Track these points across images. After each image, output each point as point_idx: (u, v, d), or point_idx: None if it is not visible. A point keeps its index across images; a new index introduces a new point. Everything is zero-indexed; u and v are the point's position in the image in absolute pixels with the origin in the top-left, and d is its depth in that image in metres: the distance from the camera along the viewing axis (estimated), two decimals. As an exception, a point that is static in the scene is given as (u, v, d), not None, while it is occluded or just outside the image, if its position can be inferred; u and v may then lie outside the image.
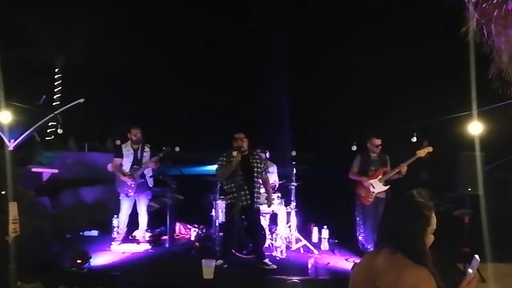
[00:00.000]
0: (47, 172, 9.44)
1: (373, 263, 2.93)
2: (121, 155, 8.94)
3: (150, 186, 9.09)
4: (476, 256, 3.04)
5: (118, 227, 8.90)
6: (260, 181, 8.06)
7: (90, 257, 7.23)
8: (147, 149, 9.03)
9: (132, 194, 8.82)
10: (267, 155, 9.40)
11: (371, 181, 8.35)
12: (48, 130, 14.92)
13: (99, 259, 7.77)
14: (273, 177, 9.39)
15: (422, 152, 8.12)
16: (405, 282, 2.69)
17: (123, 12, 14.19)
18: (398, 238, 2.83)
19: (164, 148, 8.85)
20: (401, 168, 8.17)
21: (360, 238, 8.62)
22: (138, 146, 8.98)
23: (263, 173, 8.10)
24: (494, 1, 6.43)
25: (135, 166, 8.85)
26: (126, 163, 8.91)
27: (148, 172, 8.99)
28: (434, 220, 2.83)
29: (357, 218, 8.64)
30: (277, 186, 9.52)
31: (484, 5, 6.52)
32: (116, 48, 14.27)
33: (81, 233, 9.68)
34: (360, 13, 11.78)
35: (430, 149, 8.17)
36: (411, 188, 2.94)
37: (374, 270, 2.89)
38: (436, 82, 10.28)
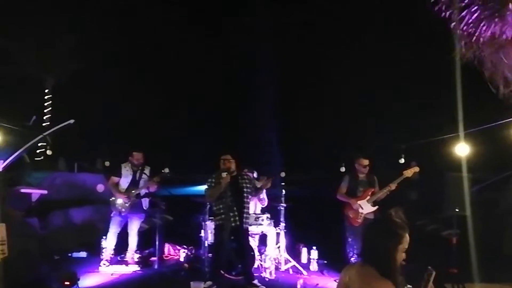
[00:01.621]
0: (36, 193, 9.40)
1: (346, 275, 3.16)
2: (119, 174, 8.97)
3: (145, 208, 9.09)
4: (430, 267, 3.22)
5: (106, 248, 8.86)
6: (249, 201, 8.10)
7: (79, 279, 7.19)
8: (146, 171, 9.05)
9: (125, 212, 8.82)
10: (255, 175, 9.42)
11: (359, 202, 8.38)
12: (38, 151, 14.87)
13: (87, 281, 7.73)
14: (262, 196, 9.41)
15: (409, 172, 8.16)
16: None
17: (114, 32, 14.26)
18: (371, 253, 3.04)
19: (163, 170, 8.88)
20: (390, 188, 8.22)
21: (352, 259, 8.62)
22: (138, 168, 9.01)
23: (253, 193, 8.14)
24: (480, 25, 6.54)
25: (132, 187, 8.88)
26: (124, 183, 8.93)
27: (142, 193, 9.01)
28: (406, 239, 3.01)
29: (349, 239, 8.63)
30: (265, 205, 9.54)
31: (470, 29, 6.63)
32: (108, 69, 14.33)
33: (69, 255, 9.63)
34: (347, 33, 11.89)
35: (416, 169, 8.21)
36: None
37: (346, 281, 3.13)
38: (424, 104, 10.38)
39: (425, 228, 9.24)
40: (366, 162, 8.59)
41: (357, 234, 8.48)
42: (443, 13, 6.55)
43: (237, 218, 7.74)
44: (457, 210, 7.45)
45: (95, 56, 14.83)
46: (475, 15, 6.50)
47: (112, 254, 8.86)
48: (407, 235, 3.01)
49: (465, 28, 6.60)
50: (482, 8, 6.44)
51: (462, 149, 7.85)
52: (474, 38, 6.58)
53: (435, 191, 8.92)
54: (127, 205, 8.78)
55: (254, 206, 9.49)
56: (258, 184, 8.86)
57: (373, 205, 8.37)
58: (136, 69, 14.27)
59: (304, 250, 9.66)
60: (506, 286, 7.51)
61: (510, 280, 7.61)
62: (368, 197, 8.40)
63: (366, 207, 8.36)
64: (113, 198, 8.88)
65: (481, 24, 6.49)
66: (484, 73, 6.86)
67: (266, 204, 9.58)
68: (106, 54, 14.74)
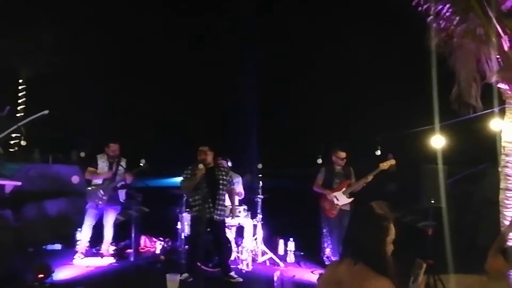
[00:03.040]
0: (9, 184, 9.24)
1: (335, 273, 3.02)
2: (95, 165, 8.85)
3: (121, 200, 9.01)
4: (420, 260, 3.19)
5: (81, 240, 8.77)
6: (225, 193, 8.06)
7: (53, 271, 7.11)
8: (123, 163, 8.97)
9: (101, 205, 8.73)
10: (229, 163, 9.38)
11: (335, 193, 8.44)
12: (12, 142, 14.68)
13: (62, 273, 7.63)
14: (239, 188, 9.38)
15: (385, 165, 8.23)
16: None
17: (90, 21, 14.10)
18: (360, 249, 2.93)
19: (141, 163, 8.83)
20: (366, 179, 8.28)
21: (327, 250, 8.67)
22: (114, 159, 8.91)
23: (228, 185, 8.11)
24: (455, 19, 6.56)
25: (108, 179, 8.79)
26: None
27: (118, 185, 8.92)
28: (392, 230, 2.94)
29: (324, 230, 8.70)
30: (242, 197, 9.52)
31: (445, 23, 6.65)
32: (82, 59, 14.18)
33: (44, 247, 9.52)
34: (324, 29, 11.89)
35: (393, 162, 8.28)
36: (376, 200, 3.03)
37: (336, 280, 2.97)
38: (400, 97, 10.43)
39: (402, 220, 9.30)
40: (343, 154, 8.65)
41: (332, 226, 8.56)
42: (420, 7, 6.57)
43: (212, 209, 7.72)
44: (432, 201, 7.49)
45: (71, 47, 14.67)
46: (451, 9, 6.53)
47: (87, 247, 8.77)
48: (392, 226, 2.95)
49: (440, 21, 6.61)
50: (457, 2, 6.47)
51: (437, 141, 7.90)
52: (449, 31, 6.60)
53: (411, 183, 8.98)
54: (103, 197, 8.69)
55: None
56: (234, 176, 8.86)
57: (349, 197, 8.45)
58: (113, 60, 14.11)
59: (281, 242, 9.68)
60: (481, 277, 7.59)
61: (485, 271, 7.68)
62: (344, 189, 8.45)
63: (341, 199, 8.42)
64: (89, 188, 8.79)
65: (456, 18, 6.51)
66: (457, 67, 6.89)
67: (243, 196, 9.55)
68: (82, 45, 14.58)
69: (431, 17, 6.61)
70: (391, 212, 2.96)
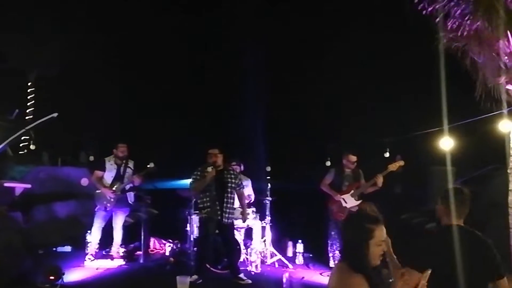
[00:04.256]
0: (19, 187, 9.30)
1: (331, 274, 3.20)
2: (103, 169, 8.92)
3: (130, 202, 9.06)
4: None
5: (91, 242, 8.82)
6: (235, 196, 8.08)
7: (63, 273, 7.15)
8: (131, 165, 9.02)
9: (110, 207, 8.78)
10: (242, 168, 9.41)
11: (343, 196, 8.44)
12: (21, 145, 14.75)
13: (72, 275, 7.68)
14: (248, 191, 9.40)
15: (393, 166, 8.23)
16: (338, 286, 2.97)
17: (98, 23, 14.12)
18: (344, 248, 3.15)
19: (148, 165, 8.88)
20: (377, 179, 8.27)
21: (336, 253, 8.64)
22: (122, 161, 8.96)
23: (237, 188, 8.12)
24: (465, 19, 6.57)
25: (116, 182, 8.84)
26: (108, 177, 8.90)
27: (127, 187, 8.97)
28: (378, 233, 2.98)
29: (332, 233, 8.69)
30: (252, 200, 9.54)
31: (455, 23, 6.65)
32: (90, 62, 14.21)
33: (54, 249, 9.56)
34: (330, 28, 11.86)
35: (401, 163, 8.28)
36: (384, 202, 3.11)
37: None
38: (408, 98, 10.38)
39: (410, 222, 9.30)
40: (354, 158, 8.66)
41: (340, 229, 8.54)
42: (427, 9, 6.57)
43: (220, 212, 7.75)
44: (440, 203, 7.48)
45: (80, 50, 14.72)
46: (460, 9, 6.53)
47: (97, 249, 8.83)
48: (379, 229, 2.98)
49: (449, 22, 6.62)
50: (466, 3, 6.47)
51: (446, 143, 7.91)
52: (459, 32, 6.60)
53: (419, 185, 8.98)
54: (112, 200, 8.75)
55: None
56: (244, 179, 8.89)
57: (357, 199, 8.43)
58: (121, 63, 14.13)
59: (290, 244, 9.72)
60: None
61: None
62: (352, 191, 8.46)
63: (350, 201, 8.43)
64: (98, 191, 8.84)
65: (466, 18, 6.52)
66: (468, 66, 6.89)
67: (252, 200, 9.57)
68: (91, 48, 14.62)
69: (439, 18, 6.63)
70: (380, 216, 3.03)
